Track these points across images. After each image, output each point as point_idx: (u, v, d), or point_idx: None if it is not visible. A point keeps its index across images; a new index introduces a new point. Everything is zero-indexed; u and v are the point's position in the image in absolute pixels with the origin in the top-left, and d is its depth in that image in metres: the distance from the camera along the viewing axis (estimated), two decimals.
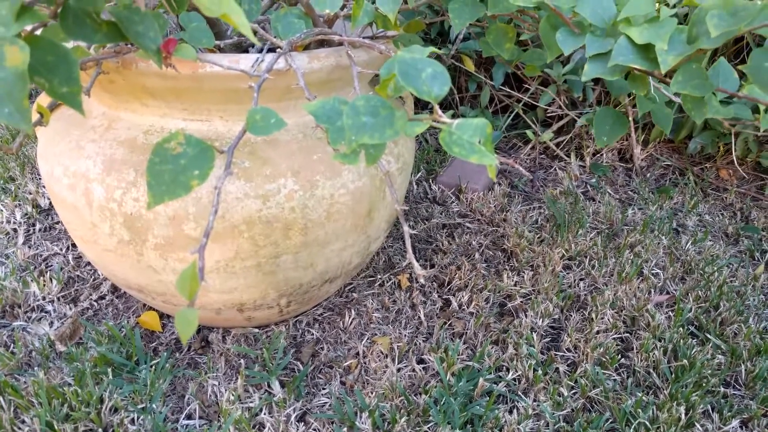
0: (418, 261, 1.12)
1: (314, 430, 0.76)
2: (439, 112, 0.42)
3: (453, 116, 1.70)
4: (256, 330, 0.93)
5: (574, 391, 0.84)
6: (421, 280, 0.50)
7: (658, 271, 1.13)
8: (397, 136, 0.40)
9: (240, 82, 0.68)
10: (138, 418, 0.76)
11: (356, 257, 0.87)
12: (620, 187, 1.52)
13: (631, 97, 1.49)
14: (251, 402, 0.80)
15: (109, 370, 0.81)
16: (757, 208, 1.46)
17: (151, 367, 0.84)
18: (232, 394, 0.79)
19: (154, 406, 0.77)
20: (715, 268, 1.15)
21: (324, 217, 0.76)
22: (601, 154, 1.62)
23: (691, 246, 1.24)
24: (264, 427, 0.75)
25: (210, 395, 0.81)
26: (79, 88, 0.38)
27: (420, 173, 1.44)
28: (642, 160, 1.62)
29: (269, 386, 0.83)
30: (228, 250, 0.74)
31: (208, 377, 0.84)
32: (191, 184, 0.41)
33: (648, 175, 1.57)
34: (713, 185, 1.54)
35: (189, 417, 0.78)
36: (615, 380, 0.86)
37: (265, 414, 0.78)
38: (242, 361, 0.87)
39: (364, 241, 0.85)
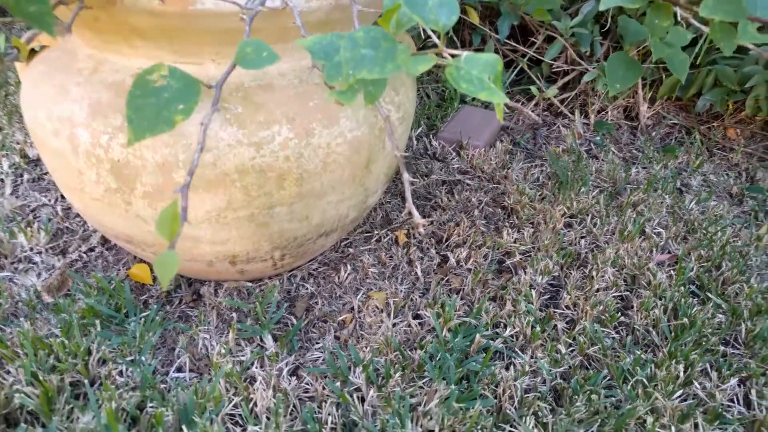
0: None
1: (307, 384, 0.75)
2: (444, 48, 0.39)
3: None
4: (249, 284, 0.91)
5: (572, 348, 0.82)
6: (421, 230, 0.48)
7: (661, 230, 1.11)
8: (399, 70, 0.37)
9: (233, 22, 0.64)
10: (126, 370, 0.74)
11: (353, 211, 0.85)
12: (624, 145, 1.48)
13: (641, 48, 1.44)
14: (243, 356, 0.79)
15: (98, 321, 0.79)
16: (763, 169, 1.43)
17: (141, 319, 0.83)
18: (224, 348, 0.78)
19: (143, 358, 0.75)
20: (719, 228, 1.13)
21: (320, 167, 0.73)
22: (606, 112, 1.58)
23: (695, 206, 1.21)
24: (255, 381, 0.74)
25: (201, 348, 0.80)
26: (49, 8, 0.35)
27: (420, 128, 1.41)
28: (648, 118, 1.58)
29: (261, 340, 0.82)
30: (220, 200, 0.71)
31: (199, 330, 0.82)
32: (175, 119, 0.38)
33: (653, 133, 1.53)
34: (720, 145, 1.51)
35: (179, 370, 0.77)
36: (614, 338, 0.85)
37: (256, 368, 0.76)
38: (234, 314, 0.85)
39: (361, 193, 0.82)
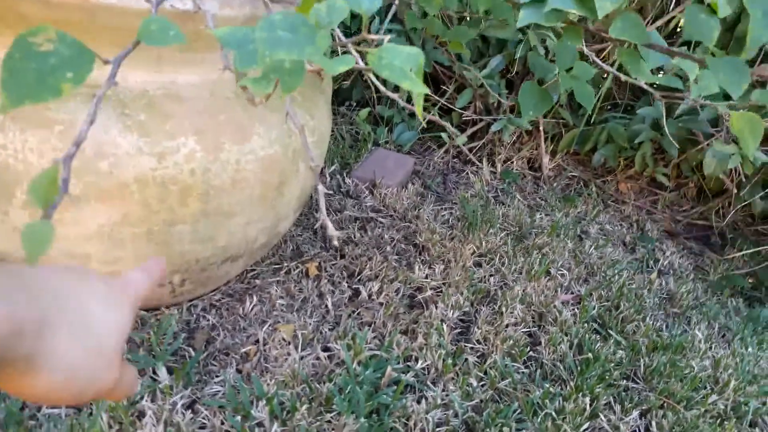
0: (328, 251, 1.07)
1: (203, 418, 0.68)
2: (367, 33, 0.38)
3: (369, 114, 1.67)
4: (144, 312, 0.83)
5: (483, 382, 0.81)
6: (335, 243, 0.45)
7: (564, 271, 1.15)
8: (319, 54, 0.36)
9: (139, 20, 0.60)
10: None
11: (263, 235, 0.81)
12: (529, 193, 1.55)
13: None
14: None
15: None
16: (651, 221, 1.54)
17: None
18: None
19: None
20: (616, 272, 1.19)
21: (228, 184, 0.69)
22: (512, 162, 1.65)
23: (594, 251, 1.27)
24: (144, 416, 0.66)
25: None
26: None
27: (334, 166, 1.39)
28: (550, 169, 1.66)
29: (155, 372, 0.74)
30: (115, 213, 0.65)
31: None
32: (62, 87, 0.34)
33: (555, 184, 1.62)
34: (613, 197, 1.61)
35: (56, 406, 0.68)
36: (523, 372, 0.85)
37: (146, 401, 0.69)
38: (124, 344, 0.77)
39: (272, 217, 0.79)
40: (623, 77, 0.59)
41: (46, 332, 0.27)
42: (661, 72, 1.06)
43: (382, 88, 0.54)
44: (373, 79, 0.52)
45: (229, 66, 0.50)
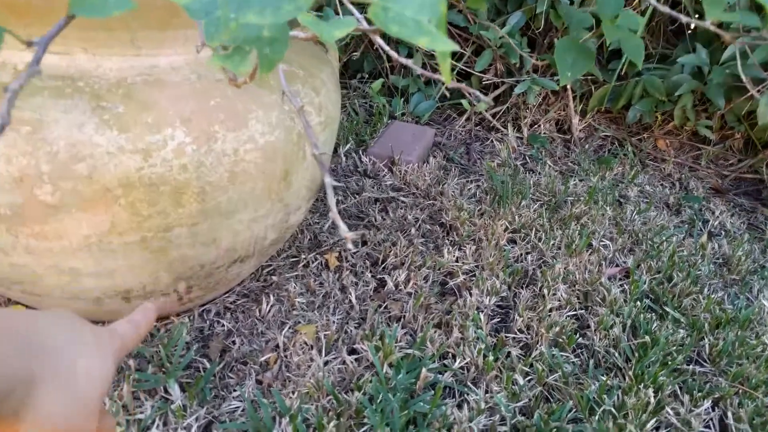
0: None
1: None
2: None
3: (383, 85, 1.57)
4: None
5: (530, 378, 0.73)
6: (350, 245, 0.36)
7: (607, 242, 1.05)
8: (302, 11, 0.26)
9: None
10: None
11: (272, 231, 0.72)
12: (559, 158, 1.44)
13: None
14: (141, 413, 0.64)
15: None
16: (695, 178, 1.42)
17: None
18: (114, 404, 0.62)
19: None
20: (663, 238, 1.08)
21: (226, 179, 0.60)
22: (539, 125, 1.53)
23: (636, 216, 1.17)
24: None
25: None
26: None
27: (349, 144, 1.30)
28: (580, 131, 1.54)
29: (166, 391, 0.67)
30: (101, 222, 0.57)
31: None
32: None
33: (587, 146, 1.50)
34: (651, 156, 1.49)
35: None
36: (574, 363, 0.76)
37: (158, 427, 0.62)
38: (132, 361, 0.70)
39: (280, 210, 0.70)
40: (685, 19, 0.49)
41: (34, 389, 0.28)
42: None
43: (393, 54, 0.44)
44: (381, 43, 0.42)
45: (205, 41, 0.41)
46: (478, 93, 0.44)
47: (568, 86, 1.46)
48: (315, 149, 0.45)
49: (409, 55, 1.57)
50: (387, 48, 0.51)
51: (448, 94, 1.57)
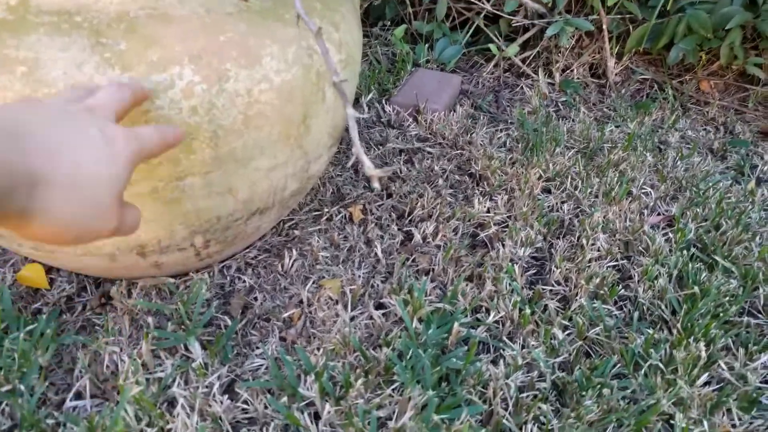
0: (372, 190, 0.94)
1: (244, 403, 0.58)
2: None
3: (406, 32, 1.49)
4: (171, 280, 0.73)
5: (569, 332, 0.68)
6: (376, 184, 0.32)
7: (648, 189, 0.98)
8: None
9: None
10: (0, 404, 0.56)
11: (293, 181, 0.68)
12: (594, 104, 1.36)
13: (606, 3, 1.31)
14: (162, 371, 0.61)
15: None
16: (741, 122, 1.33)
17: (28, 333, 0.64)
18: (134, 363, 0.60)
19: (22, 386, 0.57)
20: (710, 184, 1.01)
21: (240, 123, 0.56)
22: (572, 70, 1.45)
23: (679, 162, 1.09)
24: (175, 405, 0.57)
25: (107, 366, 0.62)
26: None
27: (372, 94, 1.24)
28: (616, 74, 1.45)
29: (186, 349, 0.65)
30: None
31: (106, 342, 0.64)
32: None
33: (623, 90, 1.41)
34: (693, 99, 1.40)
35: (78, 396, 0.59)
36: (616, 316, 0.71)
37: (178, 386, 0.59)
38: (151, 319, 0.67)
39: (300, 158, 0.66)
40: None
41: (38, 190, 0.28)
42: None
43: None
44: None
45: None
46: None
47: (604, 26, 1.37)
48: (335, 76, 0.40)
49: (434, 1, 1.48)
50: None
51: (470, 39, 1.49)
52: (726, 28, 1.20)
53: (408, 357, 0.61)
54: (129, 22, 0.51)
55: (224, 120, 0.55)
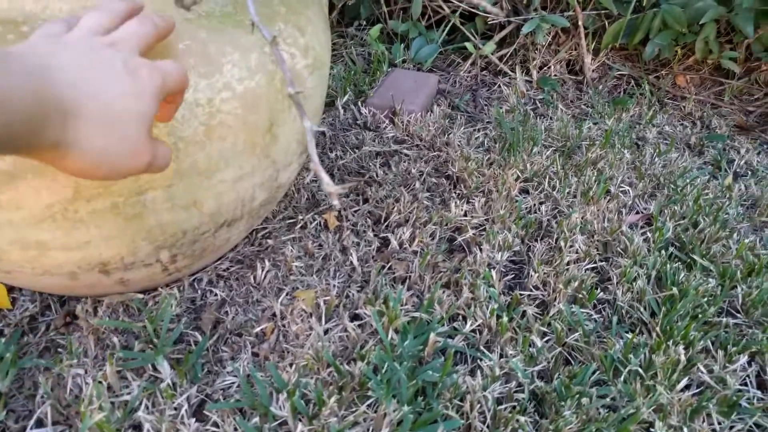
0: (348, 196, 0.92)
1: (213, 426, 0.56)
2: None
3: (381, 31, 1.47)
4: (140, 295, 0.71)
5: (547, 338, 0.67)
6: (335, 202, 0.30)
7: (626, 188, 0.97)
8: None
9: None
10: None
11: (261, 191, 0.66)
12: (572, 101, 1.35)
13: None
14: (128, 393, 0.59)
15: None
16: (717, 116, 1.33)
17: None
18: (97, 387, 0.57)
19: None
20: (687, 181, 1.01)
21: (202, 133, 0.54)
22: (549, 67, 1.44)
23: (657, 159, 1.09)
24: (141, 431, 0.55)
25: (71, 390, 0.60)
26: None
27: (347, 96, 1.22)
28: (593, 70, 1.45)
29: (155, 369, 0.62)
30: (63, 188, 0.51)
31: (70, 365, 0.62)
32: None
33: (600, 87, 1.41)
34: (670, 94, 1.40)
35: (39, 424, 0.57)
36: (595, 320, 0.70)
37: (146, 409, 0.57)
38: (117, 339, 0.65)
39: (268, 167, 0.64)
40: None
41: (69, 122, 0.29)
42: None
43: None
44: None
45: None
46: (489, 7, 0.36)
47: (580, 22, 1.36)
48: (290, 87, 0.38)
49: None
50: None
51: (447, 37, 1.48)
52: (700, 23, 1.20)
53: (383, 371, 0.59)
54: None
55: (185, 131, 0.52)
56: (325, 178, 0.33)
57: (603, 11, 1.38)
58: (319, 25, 0.67)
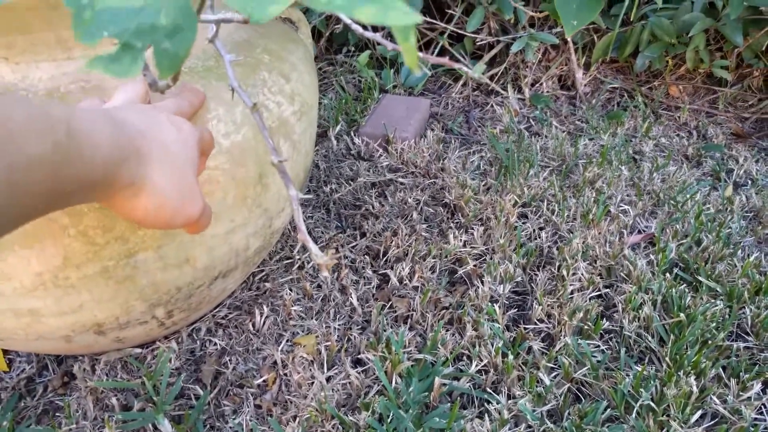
0: (345, 231, 0.91)
1: None
2: None
3: (370, 57, 1.47)
4: (138, 350, 0.70)
5: (555, 374, 0.65)
6: (324, 273, 0.29)
7: (626, 207, 0.96)
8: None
9: None
10: None
11: (255, 240, 0.65)
12: (566, 117, 1.34)
13: None
14: None
15: None
16: (713, 124, 1.32)
17: None
18: None
19: None
20: (687, 196, 1.00)
21: None
22: (540, 84, 1.43)
23: (655, 174, 1.08)
24: None
25: None
26: None
27: (340, 126, 1.22)
28: (585, 85, 1.44)
29: (155, 428, 0.61)
30: (51, 256, 0.50)
31: (69, 430, 0.61)
32: None
33: (593, 101, 1.40)
34: (664, 105, 1.39)
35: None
36: (603, 351, 0.69)
37: None
38: (116, 399, 0.64)
39: (260, 216, 0.63)
40: None
41: (142, 161, 0.34)
42: None
43: (358, 28, 0.36)
44: (343, 16, 0.34)
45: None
46: (464, 67, 0.36)
47: (569, 38, 1.36)
48: (273, 156, 0.37)
49: (375, 29, 1.46)
50: (348, 20, 0.42)
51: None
52: (689, 34, 1.20)
53: (389, 419, 0.58)
54: (60, 97, 0.48)
55: None
56: (313, 249, 0.32)
57: (591, 26, 1.38)
58: (303, 69, 0.66)
